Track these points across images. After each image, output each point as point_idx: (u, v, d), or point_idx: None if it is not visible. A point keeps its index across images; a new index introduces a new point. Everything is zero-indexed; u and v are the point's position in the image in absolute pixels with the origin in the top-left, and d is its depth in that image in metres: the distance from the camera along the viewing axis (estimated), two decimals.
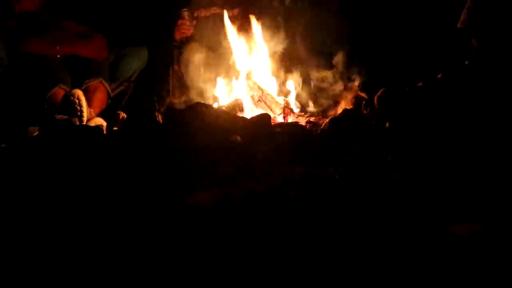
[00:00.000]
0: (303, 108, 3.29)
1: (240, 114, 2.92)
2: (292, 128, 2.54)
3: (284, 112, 3.05)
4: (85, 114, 2.62)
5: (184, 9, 3.28)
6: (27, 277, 0.91)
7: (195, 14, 3.36)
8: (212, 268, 0.93)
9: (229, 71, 3.29)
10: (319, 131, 2.43)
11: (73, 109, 2.58)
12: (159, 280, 0.89)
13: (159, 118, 2.60)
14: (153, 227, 1.14)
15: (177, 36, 3.32)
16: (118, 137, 2.20)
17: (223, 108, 2.97)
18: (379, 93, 2.50)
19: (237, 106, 3.07)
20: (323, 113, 3.17)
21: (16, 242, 1.08)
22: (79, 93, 2.64)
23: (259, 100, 3.10)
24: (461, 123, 2.19)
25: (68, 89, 2.78)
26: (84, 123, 2.59)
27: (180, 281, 0.89)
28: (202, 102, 2.83)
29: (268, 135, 2.23)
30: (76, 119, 2.57)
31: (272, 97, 3.13)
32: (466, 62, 2.35)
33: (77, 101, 2.61)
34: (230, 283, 0.89)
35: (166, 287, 0.88)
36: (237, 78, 3.25)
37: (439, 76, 2.44)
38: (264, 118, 2.41)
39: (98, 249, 1.02)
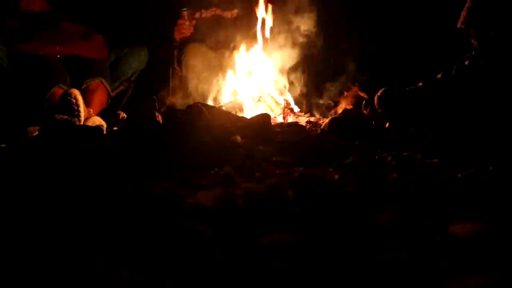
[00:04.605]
0: (303, 108, 3.30)
1: (240, 114, 2.93)
2: (292, 128, 2.54)
3: (284, 112, 3.06)
4: (82, 113, 2.62)
5: (184, 9, 3.28)
6: (27, 277, 0.91)
7: (196, 15, 3.37)
8: (211, 268, 0.94)
9: (229, 71, 3.29)
10: (319, 131, 2.44)
11: (70, 109, 2.58)
12: (159, 280, 0.89)
13: (159, 118, 2.61)
14: (153, 227, 1.14)
15: (177, 36, 3.32)
16: (118, 137, 2.20)
17: (223, 108, 2.97)
18: (379, 93, 2.51)
19: (237, 106, 3.08)
20: (323, 113, 3.18)
21: (16, 242, 1.08)
22: (75, 92, 2.64)
23: (259, 100, 3.10)
24: (461, 123, 2.19)
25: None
26: (82, 123, 2.59)
27: (180, 281, 0.89)
28: (202, 102, 2.83)
29: (268, 135, 2.23)
30: (75, 119, 2.57)
31: (272, 97, 3.14)
32: (466, 62, 2.35)
33: (74, 100, 2.61)
34: (229, 283, 0.89)
35: None
36: (237, 78, 3.26)
37: (439, 76, 2.45)
38: (264, 118, 2.41)
39: (97, 250, 1.02)
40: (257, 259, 0.97)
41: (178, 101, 3.30)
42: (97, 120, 2.72)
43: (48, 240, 1.07)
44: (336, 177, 1.54)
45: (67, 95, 2.63)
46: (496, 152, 1.78)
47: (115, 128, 2.70)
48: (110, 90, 3.01)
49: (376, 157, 1.82)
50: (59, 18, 3.09)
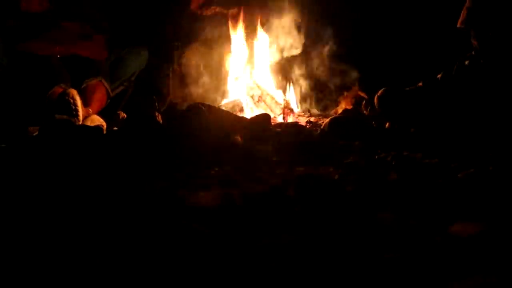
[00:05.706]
0: (303, 108, 3.30)
1: (240, 114, 2.93)
2: (292, 128, 2.54)
3: (284, 112, 3.06)
4: (80, 113, 2.61)
5: None
6: (26, 277, 0.91)
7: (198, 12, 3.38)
8: (211, 270, 0.94)
9: (229, 71, 3.30)
10: (319, 131, 2.44)
11: (69, 109, 2.57)
12: (158, 282, 0.89)
13: (159, 118, 2.60)
14: (152, 227, 1.14)
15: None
16: (118, 137, 2.20)
17: (223, 108, 2.97)
18: (379, 93, 2.51)
19: (237, 106, 3.08)
20: (323, 113, 3.18)
21: (16, 242, 1.08)
22: (73, 92, 2.64)
23: (259, 100, 3.10)
24: (461, 123, 2.19)
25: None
26: (80, 122, 2.59)
27: (180, 281, 0.89)
28: (202, 102, 2.83)
29: (268, 135, 2.23)
30: (75, 118, 2.57)
31: (272, 97, 3.14)
32: (466, 62, 2.35)
33: (71, 100, 2.60)
34: (229, 284, 0.89)
35: None
36: (237, 78, 3.26)
37: (439, 76, 2.45)
38: (264, 118, 2.41)
39: (96, 252, 1.02)
40: (258, 259, 0.97)
41: (178, 101, 3.30)
42: (96, 120, 2.71)
43: (48, 240, 1.07)
44: (336, 177, 1.54)
45: (64, 95, 2.62)
46: (496, 152, 1.78)
47: (115, 128, 2.70)
48: (109, 89, 3.00)
49: (376, 157, 1.82)
50: (59, 18, 3.08)
